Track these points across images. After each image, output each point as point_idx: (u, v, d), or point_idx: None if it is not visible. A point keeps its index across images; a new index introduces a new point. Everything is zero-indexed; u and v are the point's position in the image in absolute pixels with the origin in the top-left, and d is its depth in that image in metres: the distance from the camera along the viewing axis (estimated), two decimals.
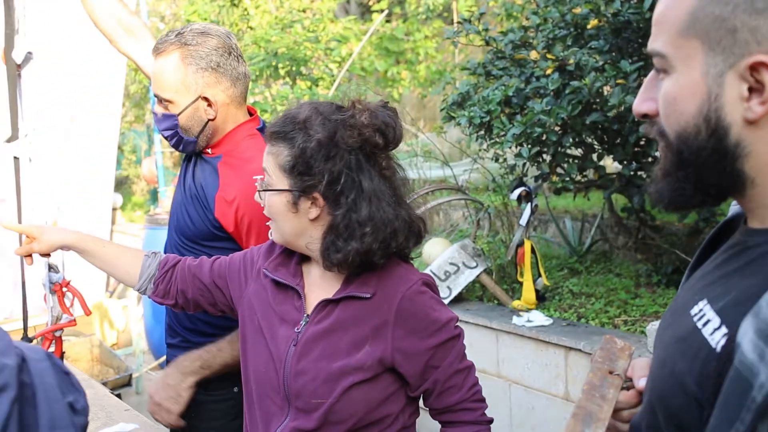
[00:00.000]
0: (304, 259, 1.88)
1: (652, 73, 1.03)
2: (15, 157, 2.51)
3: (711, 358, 0.91)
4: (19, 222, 2.52)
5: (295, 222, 1.76)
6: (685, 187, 1.00)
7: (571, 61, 3.50)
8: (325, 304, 1.77)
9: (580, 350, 3.43)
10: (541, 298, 4.12)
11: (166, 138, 2.33)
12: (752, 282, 0.92)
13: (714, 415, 0.87)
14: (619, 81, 3.38)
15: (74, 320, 2.27)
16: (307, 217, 1.74)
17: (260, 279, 1.89)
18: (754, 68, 0.89)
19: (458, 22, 4.34)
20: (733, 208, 1.16)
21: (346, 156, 1.69)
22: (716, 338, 0.92)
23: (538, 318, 3.79)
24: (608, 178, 3.78)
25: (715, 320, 0.94)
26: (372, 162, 1.72)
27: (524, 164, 3.93)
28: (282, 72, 6.11)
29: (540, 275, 4.12)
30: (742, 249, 0.99)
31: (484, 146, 4.22)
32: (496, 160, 4.40)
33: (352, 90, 5.50)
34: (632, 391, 1.17)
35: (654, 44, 1.00)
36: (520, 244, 4.09)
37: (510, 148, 3.79)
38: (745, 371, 0.83)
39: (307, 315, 1.79)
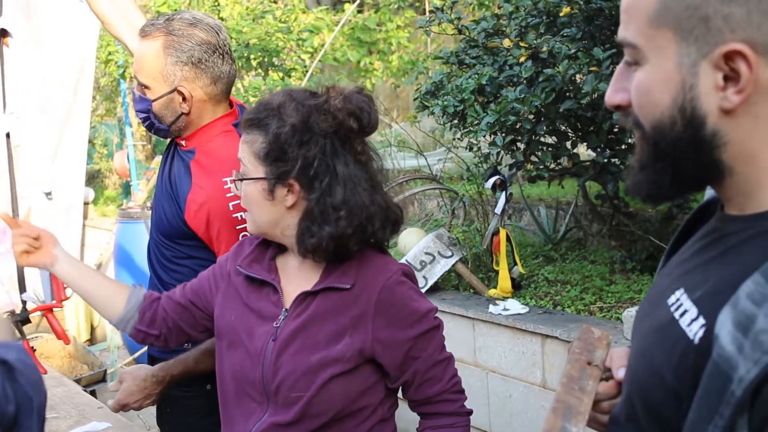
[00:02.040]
0: (279, 252, 1.86)
1: (622, 63, 1.00)
2: (6, 135, 2.49)
3: (689, 350, 0.90)
4: (13, 200, 2.53)
5: (272, 210, 1.74)
6: (662, 179, 0.98)
7: (545, 48, 3.50)
8: (304, 296, 1.75)
9: (556, 338, 3.44)
10: (517, 287, 4.12)
11: (140, 119, 2.30)
12: (730, 271, 0.90)
13: (693, 409, 0.85)
14: (592, 68, 3.37)
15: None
16: (283, 205, 1.73)
17: (231, 280, 1.87)
18: (729, 57, 0.87)
19: (430, 11, 4.33)
20: (709, 192, 1.15)
21: (320, 141, 1.67)
22: (694, 329, 0.90)
23: (515, 306, 3.79)
24: (582, 166, 3.78)
25: (693, 310, 0.92)
26: (347, 147, 1.71)
27: (498, 153, 3.92)
28: (254, 63, 6.03)
29: (515, 263, 4.12)
30: (719, 236, 0.98)
31: (458, 135, 4.21)
32: (470, 149, 4.38)
33: (326, 81, 5.47)
34: (611, 382, 1.15)
35: (625, 33, 0.97)
36: (496, 233, 4.09)
37: (484, 136, 3.78)
38: (723, 364, 0.81)
39: (286, 309, 1.77)
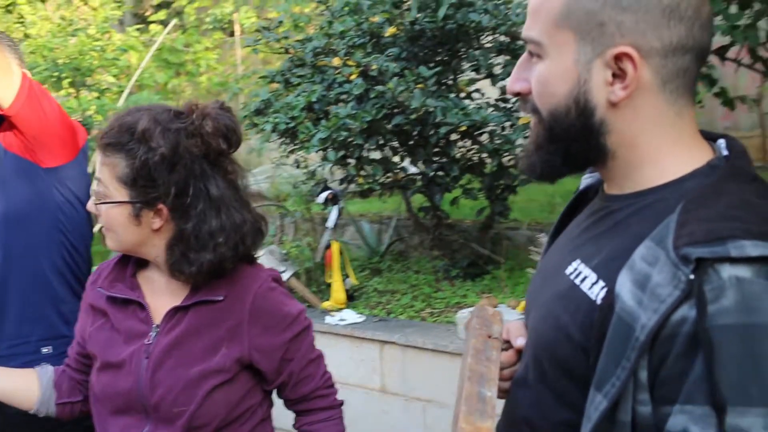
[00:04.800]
0: (140, 267, 1.83)
1: (524, 55, 1.14)
2: None
3: (592, 310, 1.04)
4: None
5: (137, 232, 1.69)
6: (555, 159, 1.13)
7: (374, 67, 3.66)
8: (175, 311, 1.73)
9: (394, 343, 3.59)
10: (350, 298, 4.24)
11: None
12: (621, 241, 1.06)
13: (602, 356, 0.99)
14: (419, 85, 3.57)
15: None
16: (149, 228, 1.68)
17: (95, 307, 1.82)
18: (618, 58, 1.03)
19: (256, 30, 4.39)
20: (585, 180, 1.31)
21: (189, 165, 1.65)
22: (595, 291, 1.05)
23: (351, 316, 3.91)
24: (410, 179, 3.98)
25: (592, 276, 1.07)
26: (217, 168, 1.70)
27: (330, 168, 4.04)
28: (65, 83, 5.78)
29: (348, 276, 4.25)
30: (606, 213, 1.13)
31: (287, 151, 4.30)
32: (298, 166, 4.48)
33: (144, 101, 5.35)
34: (511, 351, 1.28)
35: (529, 32, 1.11)
36: (328, 246, 4.20)
37: (316, 152, 3.88)
38: (626, 317, 0.96)
39: (157, 325, 1.74)
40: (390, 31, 3.80)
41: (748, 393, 0.88)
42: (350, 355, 3.78)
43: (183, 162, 1.64)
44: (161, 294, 1.78)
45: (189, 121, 1.66)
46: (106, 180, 1.68)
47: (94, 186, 1.72)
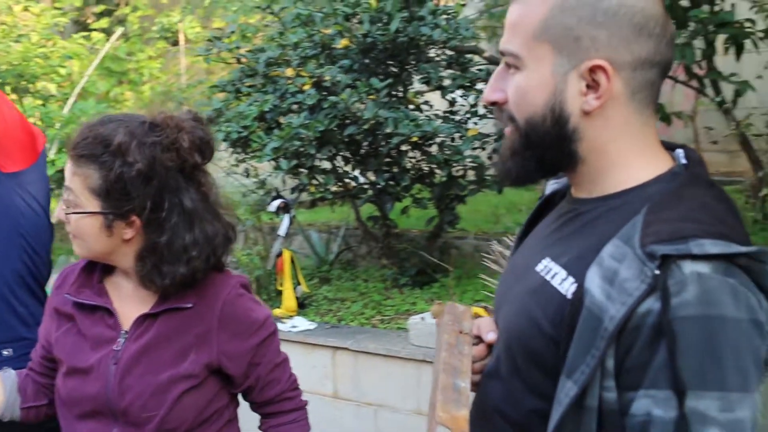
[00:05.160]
0: (106, 272, 1.84)
1: (501, 67, 1.21)
2: None
3: (563, 304, 1.12)
4: None
5: (107, 242, 1.70)
6: (530, 165, 1.20)
7: (327, 78, 3.73)
8: (144, 318, 1.74)
9: (346, 349, 3.64)
10: (301, 306, 4.29)
11: None
12: (590, 241, 1.14)
13: (572, 347, 1.07)
14: (371, 97, 3.65)
15: None
16: (120, 238, 1.70)
17: (61, 312, 1.83)
18: (593, 70, 1.11)
19: (208, 40, 4.42)
20: (551, 186, 1.40)
21: (164, 179, 1.65)
22: (566, 287, 1.13)
23: (302, 323, 3.96)
24: (361, 188, 4.05)
25: (562, 273, 1.15)
26: (191, 181, 1.71)
27: (282, 177, 4.09)
28: (8, 89, 5.69)
29: (299, 283, 4.29)
30: (574, 215, 1.22)
31: (237, 161, 4.34)
32: (248, 175, 4.51)
33: (92, 110, 5.32)
34: (481, 346, 1.35)
35: (508, 45, 1.18)
36: (279, 254, 4.24)
37: (269, 161, 3.93)
38: (595, 310, 1.04)
39: (125, 331, 1.76)
40: (342, 43, 3.88)
41: (705, 378, 0.96)
42: (304, 361, 3.82)
43: (158, 176, 1.64)
44: (129, 300, 1.78)
45: (164, 134, 1.66)
46: (78, 190, 1.67)
47: (64, 195, 1.72)
